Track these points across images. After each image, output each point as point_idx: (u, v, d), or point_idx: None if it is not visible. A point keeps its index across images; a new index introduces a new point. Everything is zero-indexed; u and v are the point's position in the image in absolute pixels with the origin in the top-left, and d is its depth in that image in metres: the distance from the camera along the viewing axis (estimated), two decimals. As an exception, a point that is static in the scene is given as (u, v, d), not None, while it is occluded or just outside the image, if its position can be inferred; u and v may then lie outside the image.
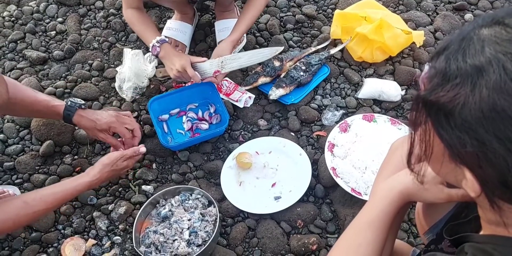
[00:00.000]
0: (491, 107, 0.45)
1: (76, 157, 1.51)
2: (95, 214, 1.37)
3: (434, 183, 0.73)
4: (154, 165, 1.47)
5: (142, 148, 1.34)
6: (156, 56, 1.46)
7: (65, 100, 1.33)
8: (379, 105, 1.50)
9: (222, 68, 1.40)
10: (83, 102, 1.35)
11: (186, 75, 1.38)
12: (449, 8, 1.75)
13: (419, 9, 1.77)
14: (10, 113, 1.42)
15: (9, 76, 1.72)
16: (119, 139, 1.40)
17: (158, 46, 1.40)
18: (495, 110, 0.45)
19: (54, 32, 1.86)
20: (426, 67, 1.45)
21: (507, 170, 0.46)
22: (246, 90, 1.55)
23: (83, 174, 1.23)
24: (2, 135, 1.57)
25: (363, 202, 1.23)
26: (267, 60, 1.56)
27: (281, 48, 1.40)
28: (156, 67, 1.63)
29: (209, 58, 1.44)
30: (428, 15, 1.74)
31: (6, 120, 1.61)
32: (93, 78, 1.69)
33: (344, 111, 1.49)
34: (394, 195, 0.79)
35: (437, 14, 1.74)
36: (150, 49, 1.44)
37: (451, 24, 1.68)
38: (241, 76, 1.62)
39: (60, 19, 1.90)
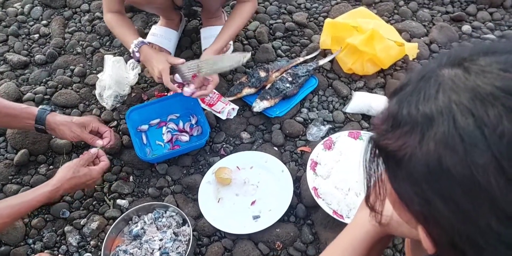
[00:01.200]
0: (436, 164, 0.41)
1: (51, 167, 1.45)
2: (66, 228, 1.31)
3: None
4: (131, 178, 1.41)
5: (93, 150, 1.30)
6: (139, 62, 1.41)
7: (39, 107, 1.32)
8: (367, 120, 1.43)
9: (199, 72, 1.33)
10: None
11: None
12: (446, 19, 1.68)
13: (414, 19, 1.70)
14: None
15: (-11, 80, 1.68)
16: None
17: (137, 52, 1.35)
18: (440, 167, 0.40)
19: (38, 35, 1.81)
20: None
21: (453, 233, 0.41)
22: (229, 101, 1.49)
23: (44, 184, 1.19)
24: (-24, 142, 1.52)
25: (345, 225, 1.16)
26: (252, 71, 1.51)
27: (248, 54, 1.32)
28: (139, 74, 1.58)
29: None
30: (424, 25, 1.66)
31: (-19, 127, 1.55)
32: (74, 85, 1.64)
33: (330, 126, 1.43)
34: (371, 225, 0.76)
35: (434, 24, 1.66)
36: (131, 55, 1.38)
37: (447, 36, 1.61)
38: (226, 86, 1.56)
39: (44, 22, 1.85)
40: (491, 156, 0.38)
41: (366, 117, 1.43)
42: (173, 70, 1.34)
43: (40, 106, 1.34)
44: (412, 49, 1.48)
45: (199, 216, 1.29)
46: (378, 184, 0.52)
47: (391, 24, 1.66)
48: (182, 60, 1.33)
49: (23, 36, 1.81)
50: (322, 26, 1.68)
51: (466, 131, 0.39)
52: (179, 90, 1.32)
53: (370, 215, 0.61)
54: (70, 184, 1.19)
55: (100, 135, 1.36)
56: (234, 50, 1.63)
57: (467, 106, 0.40)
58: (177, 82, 1.41)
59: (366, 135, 1.32)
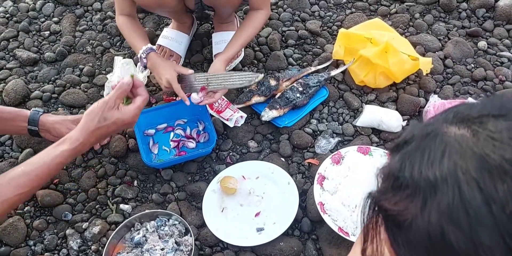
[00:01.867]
0: (439, 237, 0.38)
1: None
2: (68, 231, 1.30)
3: None
4: (135, 182, 1.40)
5: (126, 79, 1.03)
6: (145, 68, 1.39)
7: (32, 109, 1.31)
8: (377, 135, 1.41)
9: (208, 85, 1.32)
10: None
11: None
12: (462, 34, 1.65)
13: (430, 32, 1.67)
14: None
15: (-2, 76, 1.67)
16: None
17: (144, 58, 1.35)
18: (443, 241, 0.38)
19: (48, 32, 1.79)
20: (431, 99, 1.35)
21: None
22: (238, 108, 1.47)
23: (62, 139, 0.97)
24: (-18, 139, 1.51)
25: (350, 242, 1.15)
26: (262, 79, 1.48)
27: (261, 76, 1.30)
28: (148, 77, 1.56)
29: (205, 71, 1.37)
30: (439, 39, 1.64)
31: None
32: (82, 84, 1.62)
33: (340, 139, 1.41)
34: None
35: (449, 39, 1.64)
36: (139, 60, 1.37)
37: (462, 51, 1.58)
38: (235, 93, 1.54)
39: (55, 19, 1.83)
40: (498, 237, 0.35)
41: (376, 131, 1.41)
42: (180, 79, 1.33)
43: (32, 109, 1.31)
44: (426, 64, 1.46)
45: (202, 225, 1.28)
46: (376, 240, 0.49)
47: (406, 36, 1.63)
48: (191, 71, 1.32)
49: (34, 32, 1.80)
50: (335, 35, 1.66)
51: (472, 205, 0.37)
52: (188, 102, 1.30)
53: None
54: (96, 136, 0.98)
55: None
56: (245, 56, 1.61)
57: (474, 176, 0.38)
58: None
59: (375, 151, 1.30)
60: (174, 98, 1.51)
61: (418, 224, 0.40)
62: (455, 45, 1.60)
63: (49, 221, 1.34)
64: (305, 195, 1.30)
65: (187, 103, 1.30)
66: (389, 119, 1.36)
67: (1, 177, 0.93)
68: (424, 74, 1.48)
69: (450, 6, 1.72)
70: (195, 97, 1.32)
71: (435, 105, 1.34)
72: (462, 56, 1.58)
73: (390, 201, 0.43)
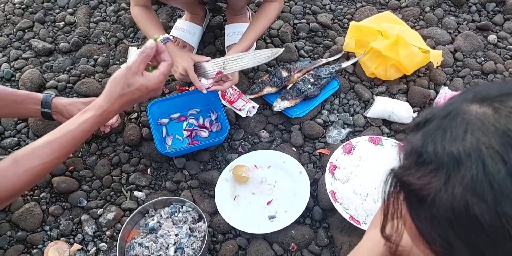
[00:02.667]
0: (463, 210, 0.39)
1: (71, 155, 1.47)
2: (83, 217, 1.33)
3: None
4: (149, 170, 1.42)
5: (149, 42, 0.98)
6: None
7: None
8: (388, 126, 1.43)
9: (224, 69, 1.33)
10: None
11: (189, 78, 1.33)
12: (472, 27, 1.66)
13: (440, 26, 1.69)
14: None
15: (13, 65, 1.69)
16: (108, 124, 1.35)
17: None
18: (467, 215, 0.39)
19: (63, 23, 1.82)
20: (442, 91, 1.37)
21: None
22: (250, 99, 1.49)
23: (87, 108, 0.95)
24: (-1, 127, 1.54)
25: (361, 230, 1.17)
26: (274, 69, 1.50)
27: (281, 50, 1.28)
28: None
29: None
30: (449, 33, 1.65)
31: (4, 112, 1.57)
32: (96, 74, 1.65)
33: (350, 129, 1.43)
34: (381, 249, 0.74)
35: (459, 32, 1.65)
36: None
37: (472, 45, 1.60)
38: (247, 83, 1.56)
39: (70, 10, 1.86)
40: None
41: (386, 122, 1.43)
42: (195, 68, 1.34)
43: (45, 92, 1.33)
44: (436, 56, 1.47)
45: (215, 212, 1.31)
46: (397, 217, 0.51)
47: (416, 30, 1.65)
48: (208, 58, 1.33)
49: (49, 23, 1.82)
50: (346, 28, 1.67)
51: (496, 178, 0.38)
52: (205, 91, 1.31)
53: (385, 245, 0.59)
54: (121, 103, 0.94)
55: None
56: (257, 48, 1.63)
57: (498, 150, 0.38)
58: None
59: (386, 141, 1.32)
60: (187, 88, 1.53)
61: (441, 198, 0.40)
62: (465, 38, 1.61)
63: (65, 207, 1.37)
64: (316, 184, 1.33)
65: (204, 91, 1.31)
66: (399, 110, 1.38)
67: (26, 147, 0.91)
68: (435, 66, 1.49)
69: (460, 0, 1.73)
70: (204, 82, 1.33)
71: (445, 96, 1.36)
72: (472, 49, 1.60)
73: (413, 176, 0.43)
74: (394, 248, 0.57)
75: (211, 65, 1.34)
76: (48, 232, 1.32)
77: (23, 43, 1.77)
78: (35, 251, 1.29)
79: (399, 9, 1.75)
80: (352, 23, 1.55)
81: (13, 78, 1.66)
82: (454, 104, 0.45)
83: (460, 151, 0.40)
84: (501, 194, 0.37)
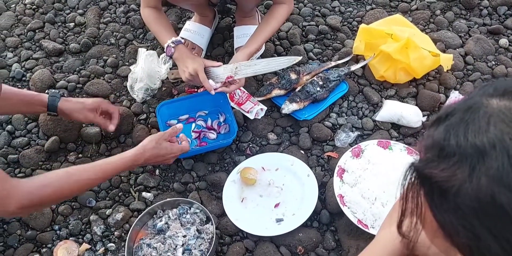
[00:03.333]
0: (489, 200, 0.40)
1: (80, 155, 1.48)
2: (92, 217, 1.34)
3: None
4: (157, 171, 1.43)
5: (179, 125, 1.30)
6: (170, 57, 1.41)
7: (46, 91, 1.31)
8: (397, 129, 1.42)
9: (236, 74, 1.34)
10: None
11: (198, 79, 1.33)
12: (483, 31, 1.65)
13: (450, 29, 1.68)
14: None
15: (24, 65, 1.71)
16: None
17: (173, 47, 1.36)
18: (493, 205, 0.39)
19: (73, 23, 1.83)
20: (452, 95, 1.36)
21: None
22: (258, 101, 1.49)
23: (126, 151, 1.19)
24: (10, 126, 1.55)
25: (369, 234, 1.17)
26: (283, 72, 1.50)
27: (299, 58, 1.32)
28: (170, 69, 1.59)
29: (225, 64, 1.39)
30: (460, 36, 1.64)
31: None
32: (106, 75, 1.66)
33: (359, 133, 1.42)
34: (396, 246, 0.75)
35: (470, 36, 1.64)
36: (164, 50, 1.39)
37: (483, 49, 1.59)
38: (256, 86, 1.56)
39: (80, 11, 1.87)
40: None
41: (395, 126, 1.43)
42: (206, 71, 1.35)
43: (49, 93, 1.33)
44: (447, 60, 1.47)
45: (222, 214, 1.31)
46: (416, 213, 0.51)
47: (426, 33, 1.64)
48: (219, 63, 1.34)
49: (59, 24, 1.84)
50: (355, 31, 1.67)
51: None
52: (213, 92, 1.32)
53: (402, 241, 0.60)
54: (152, 154, 1.18)
55: (109, 115, 1.41)
56: (266, 50, 1.63)
57: None
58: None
59: (395, 145, 1.31)
60: (196, 90, 1.54)
61: (466, 189, 0.41)
62: (476, 42, 1.60)
63: (74, 206, 1.38)
64: (324, 187, 1.33)
65: (212, 92, 1.32)
66: (409, 114, 1.37)
67: (77, 165, 1.13)
68: (445, 70, 1.48)
69: (472, 3, 1.72)
70: (212, 83, 1.34)
71: (456, 100, 1.35)
72: (483, 53, 1.59)
73: (436, 169, 0.44)
74: (411, 245, 0.58)
75: (222, 70, 1.34)
76: (58, 232, 1.33)
77: (33, 43, 1.79)
78: (44, 250, 1.30)
79: (409, 12, 1.75)
80: (362, 25, 1.54)
81: (23, 78, 1.68)
82: (475, 98, 0.46)
83: (484, 142, 0.41)
84: None
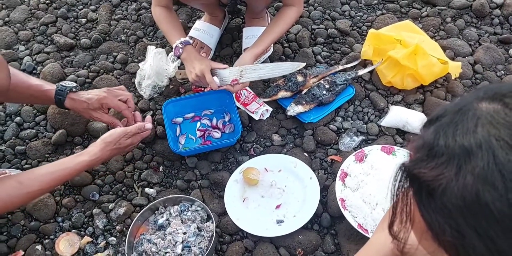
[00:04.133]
0: (474, 198, 0.40)
1: (85, 149, 1.49)
2: (95, 211, 1.36)
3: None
4: (161, 168, 1.44)
5: (148, 125, 1.29)
6: (178, 57, 1.43)
7: (56, 84, 1.30)
8: (402, 135, 1.42)
9: (241, 77, 1.35)
10: (74, 84, 1.32)
11: (204, 80, 1.34)
12: (494, 40, 1.65)
13: (460, 37, 1.67)
14: (4, 99, 1.38)
15: (35, 59, 1.73)
16: (122, 120, 1.38)
17: (181, 48, 1.37)
18: (478, 203, 0.40)
19: (85, 19, 1.85)
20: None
21: None
22: (264, 102, 1.50)
23: (83, 152, 1.18)
24: (18, 118, 1.57)
25: (368, 239, 1.17)
26: (290, 74, 1.51)
27: (303, 64, 1.34)
28: (178, 68, 1.60)
29: (232, 65, 1.41)
30: (470, 44, 1.64)
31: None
32: (115, 71, 1.68)
33: (364, 137, 1.42)
34: (387, 251, 0.75)
35: (480, 44, 1.63)
36: (173, 50, 1.40)
37: (493, 58, 1.58)
38: (262, 87, 1.57)
39: (92, 7, 1.89)
40: None
41: (400, 132, 1.43)
42: (213, 73, 1.36)
43: (57, 88, 1.29)
44: (455, 68, 1.46)
45: (223, 213, 1.32)
46: (406, 212, 0.52)
47: (436, 40, 1.64)
48: (225, 65, 1.35)
49: (71, 19, 1.86)
50: (364, 35, 1.67)
51: (506, 167, 0.40)
52: (216, 87, 1.33)
53: (392, 242, 0.60)
54: (110, 155, 1.21)
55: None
56: (274, 52, 1.64)
57: (507, 142, 0.40)
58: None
59: (399, 151, 1.31)
60: (203, 89, 1.55)
61: (453, 188, 0.42)
62: (485, 51, 1.59)
63: (77, 199, 1.39)
64: (326, 191, 1.33)
65: (216, 87, 1.34)
66: (414, 120, 1.37)
67: (29, 173, 1.12)
68: (453, 78, 1.48)
69: (483, 12, 1.71)
70: (217, 81, 1.35)
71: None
72: (492, 62, 1.58)
73: (425, 168, 0.45)
74: (401, 245, 0.58)
75: (228, 73, 1.35)
76: (60, 224, 1.35)
77: (45, 37, 1.81)
78: (46, 241, 1.32)
79: (419, 19, 1.75)
80: (371, 30, 1.54)
81: (34, 71, 1.70)
82: (466, 100, 0.47)
83: (471, 143, 0.42)
84: (511, 182, 0.39)
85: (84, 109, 1.31)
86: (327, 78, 1.51)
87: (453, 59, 1.58)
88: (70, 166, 1.13)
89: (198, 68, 1.33)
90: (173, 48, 1.39)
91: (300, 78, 1.51)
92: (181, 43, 1.36)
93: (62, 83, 1.31)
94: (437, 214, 0.44)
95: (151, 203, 1.29)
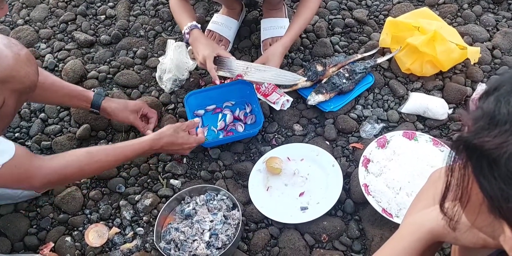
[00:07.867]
0: None
1: (110, 143, 1.52)
2: (121, 202, 1.39)
3: (469, 227, 0.67)
4: (185, 160, 1.47)
5: (197, 119, 1.40)
6: (187, 43, 1.45)
7: (92, 89, 1.39)
8: (423, 122, 1.43)
9: (246, 74, 1.37)
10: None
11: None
12: (512, 25, 1.64)
13: (478, 23, 1.66)
14: (40, 99, 1.41)
15: (57, 56, 1.77)
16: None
17: (187, 33, 1.40)
18: None
19: (104, 16, 1.88)
20: (479, 88, 1.36)
21: None
22: (284, 92, 1.51)
23: (145, 136, 1.27)
24: (43, 114, 1.61)
25: (393, 224, 1.18)
26: (309, 64, 1.52)
27: (304, 79, 1.45)
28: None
29: (256, 57, 1.42)
30: (488, 30, 1.63)
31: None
32: (135, 66, 1.71)
33: (384, 125, 1.43)
34: (423, 232, 0.74)
35: (498, 30, 1.62)
36: (183, 36, 1.42)
37: (511, 42, 1.57)
38: (282, 78, 1.58)
39: (111, 4, 1.92)
40: None
41: (421, 118, 1.43)
42: (219, 61, 1.38)
43: (95, 91, 1.40)
44: (474, 53, 1.46)
45: (248, 202, 1.34)
46: (461, 187, 0.51)
47: (453, 26, 1.63)
48: (230, 55, 1.37)
49: (90, 16, 1.89)
50: (382, 24, 1.67)
51: None
52: (218, 81, 1.36)
53: (443, 219, 0.60)
54: (168, 140, 1.25)
55: (147, 118, 1.48)
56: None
57: None
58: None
59: (421, 136, 1.32)
60: (223, 80, 1.57)
61: None
62: (504, 36, 1.59)
63: (104, 192, 1.43)
64: (348, 177, 1.34)
65: (217, 82, 1.36)
66: (435, 106, 1.38)
67: (97, 146, 1.28)
68: (472, 63, 1.48)
69: (500, -3, 1.70)
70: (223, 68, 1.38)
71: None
72: (511, 47, 1.57)
73: (487, 137, 0.45)
74: (453, 223, 0.58)
75: (235, 65, 1.37)
76: (88, 216, 1.38)
77: (66, 35, 1.84)
78: (75, 233, 1.35)
79: (436, 6, 1.74)
80: (389, 18, 1.55)
81: (56, 69, 1.74)
82: None
83: None
84: None
85: (122, 108, 1.39)
86: (346, 67, 1.52)
87: (471, 45, 1.57)
88: (134, 143, 1.21)
89: (201, 54, 1.35)
90: (183, 35, 1.41)
91: (319, 68, 1.52)
92: (187, 28, 1.38)
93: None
94: (500, 182, 0.44)
95: (177, 193, 1.32)
